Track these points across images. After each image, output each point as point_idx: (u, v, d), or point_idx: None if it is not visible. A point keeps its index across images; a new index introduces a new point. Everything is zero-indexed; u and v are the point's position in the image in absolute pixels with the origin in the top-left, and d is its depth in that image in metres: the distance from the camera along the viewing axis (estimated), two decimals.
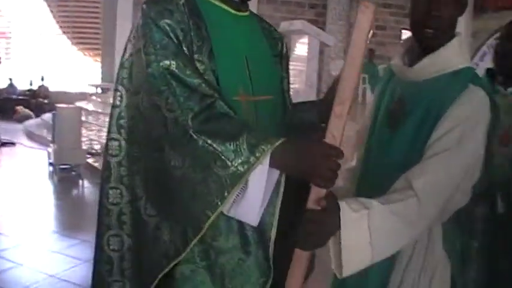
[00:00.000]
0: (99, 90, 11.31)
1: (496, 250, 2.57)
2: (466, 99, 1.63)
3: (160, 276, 1.47)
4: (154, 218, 1.49)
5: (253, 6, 1.70)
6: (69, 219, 5.89)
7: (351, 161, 1.98)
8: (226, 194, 1.35)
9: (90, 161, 8.25)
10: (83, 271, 4.30)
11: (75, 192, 7.19)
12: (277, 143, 1.35)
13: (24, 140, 10.94)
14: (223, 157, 1.34)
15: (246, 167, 1.33)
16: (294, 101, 1.88)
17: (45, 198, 6.68)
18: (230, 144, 1.34)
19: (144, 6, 1.52)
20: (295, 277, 1.46)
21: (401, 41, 1.96)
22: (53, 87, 13.66)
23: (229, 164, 1.34)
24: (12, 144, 10.22)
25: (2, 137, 10.08)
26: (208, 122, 1.39)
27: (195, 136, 1.36)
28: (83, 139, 8.39)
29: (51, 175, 7.59)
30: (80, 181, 7.35)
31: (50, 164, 7.70)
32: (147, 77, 1.45)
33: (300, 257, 1.45)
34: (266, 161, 1.35)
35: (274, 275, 1.49)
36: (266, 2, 8.96)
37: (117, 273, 1.62)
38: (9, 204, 6.20)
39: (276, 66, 1.80)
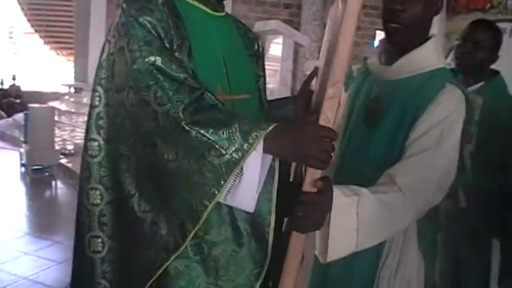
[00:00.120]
0: (72, 90, 11.21)
1: (458, 242, 2.68)
2: (444, 98, 1.68)
3: (160, 271, 1.46)
4: (150, 213, 1.48)
5: (227, 6, 1.71)
6: (42, 221, 5.83)
7: None
8: (222, 182, 1.36)
9: (63, 161, 8.17)
10: (57, 273, 4.26)
11: (48, 193, 7.12)
12: (269, 128, 1.36)
13: None
14: (217, 146, 1.35)
15: (240, 154, 1.34)
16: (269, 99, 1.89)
17: (17, 199, 6.61)
18: (223, 133, 1.35)
19: (124, 5, 1.52)
20: (293, 261, 1.47)
21: (379, 41, 2.00)
22: (25, 86, 13.52)
23: (224, 152, 1.34)
24: None
25: None
26: (200, 112, 1.39)
27: (187, 128, 1.37)
28: (56, 139, 8.30)
29: (23, 176, 7.51)
30: (53, 182, 7.27)
31: (22, 164, 7.62)
32: (132, 74, 1.45)
33: (297, 240, 1.46)
34: (260, 146, 1.36)
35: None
36: (241, 2, 8.95)
37: (99, 276, 1.61)
38: None
39: (252, 65, 1.82)
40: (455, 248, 2.71)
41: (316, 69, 1.83)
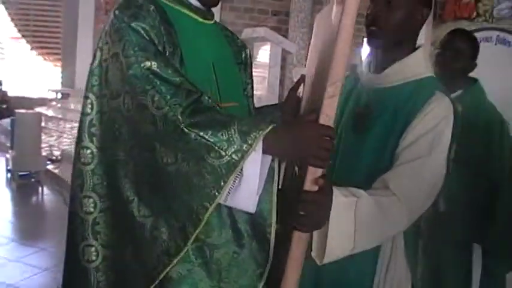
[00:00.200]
0: (59, 96, 11.16)
1: (439, 246, 2.69)
2: (434, 105, 1.71)
3: (161, 276, 1.46)
4: (150, 218, 1.48)
5: (216, 13, 1.72)
6: (28, 227, 5.79)
7: None
8: (222, 183, 1.36)
9: (50, 167, 8.13)
10: (43, 280, 4.24)
11: (34, 199, 7.08)
12: (268, 129, 1.38)
13: None
14: (216, 148, 1.35)
15: (240, 155, 1.35)
16: (257, 106, 1.91)
17: (3, 205, 6.56)
18: (222, 135, 1.36)
19: (117, 11, 1.53)
20: (296, 260, 1.48)
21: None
22: (11, 92, 13.43)
23: (223, 153, 1.35)
24: None
25: None
26: (198, 115, 1.40)
27: (186, 130, 1.37)
28: (43, 145, 8.27)
29: (10, 182, 7.46)
30: (40, 188, 7.23)
31: (8, 170, 7.58)
32: (128, 79, 1.45)
33: (299, 240, 1.47)
34: (259, 147, 1.37)
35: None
36: (229, 9, 8.95)
37: (93, 285, 1.60)
38: None
39: (240, 73, 1.84)
40: (435, 252, 2.70)
41: (303, 76, 1.84)
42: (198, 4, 1.70)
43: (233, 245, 1.51)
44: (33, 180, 7.37)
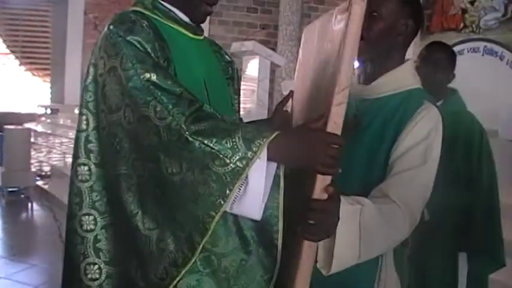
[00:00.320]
0: (49, 111, 11.12)
1: (424, 255, 2.77)
2: (424, 114, 1.74)
3: None
4: (156, 230, 1.46)
5: (204, 27, 1.73)
6: (17, 244, 5.76)
7: None
8: (228, 192, 1.35)
9: (39, 183, 8.10)
10: None
11: (24, 215, 7.04)
12: (272, 136, 1.37)
13: None
14: (221, 155, 1.35)
15: (244, 162, 1.35)
16: (246, 120, 1.92)
17: None
18: (226, 142, 1.35)
19: (111, 26, 1.53)
20: (306, 270, 1.46)
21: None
22: (0, 107, 13.39)
23: (228, 161, 1.35)
24: None
25: None
26: (201, 122, 1.39)
27: (190, 139, 1.37)
28: (32, 161, 8.24)
29: None
30: (29, 204, 7.21)
31: None
32: (128, 92, 1.45)
33: (309, 249, 1.45)
34: (264, 154, 1.37)
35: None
36: (218, 23, 8.99)
37: None
38: None
39: (228, 88, 1.86)
40: (421, 261, 2.78)
41: (291, 92, 1.87)
42: (187, 19, 1.72)
43: (240, 252, 1.50)
44: (22, 196, 7.35)
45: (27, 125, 9.86)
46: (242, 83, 6.69)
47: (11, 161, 7.25)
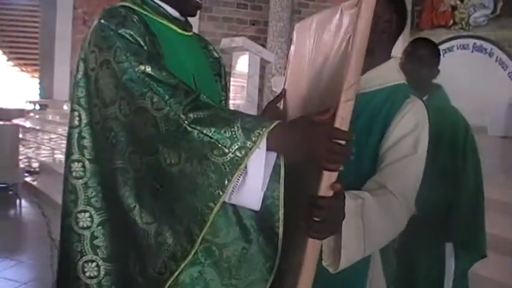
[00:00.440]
0: (37, 107, 11.08)
1: (412, 248, 2.81)
2: (410, 106, 1.78)
3: (169, 282, 1.43)
4: (153, 224, 1.44)
5: (194, 23, 1.73)
6: (5, 240, 5.73)
7: None
8: (226, 182, 1.34)
9: (28, 179, 8.06)
10: None
11: (12, 212, 7.01)
12: (272, 126, 1.36)
13: None
14: (219, 145, 1.33)
15: (243, 152, 1.33)
16: None
17: None
18: (225, 132, 1.34)
19: (102, 20, 1.52)
20: (310, 268, 1.44)
21: None
22: None
23: (227, 150, 1.33)
24: None
25: None
26: (200, 111, 1.38)
27: (189, 128, 1.36)
28: (21, 157, 8.20)
29: None
30: (17, 200, 7.17)
31: None
32: (124, 84, 1.44)
33: (314, 246, 1.43)
34: (263, 144, 1.35)
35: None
36: (207, 19, 8.97)
37: None
38: None
39: (216, 84, 1.85)
40: (408, 255, 2.81)
41: (284, 91, 1.87)
42: (176, 14, 1.71)
43: (241, 241, 1.49)
44: (10, 192, 7.31)
45: (15, 121, 9.83)
46: (232, 79, 6.71)
47: None
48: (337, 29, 1.59)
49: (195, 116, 1.37)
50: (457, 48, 7.27)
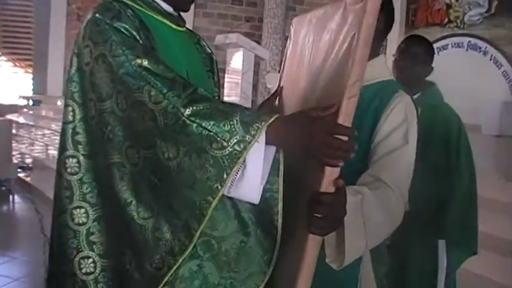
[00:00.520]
0: (31, 103, 11.04)
1: (405, 244, 2.85)
2: (399, 99, 1.82)
3: (167, 278, 1.42)
4: (151, 219, 1.44)
5: (189, 19, 1.72)
6: None
7: None
8: (225, 176, 1.34)
9: (21, 175, 8.04)
10: None
11: (4, 208, 6.99)
12: (271, 120, 1.35)
13: None
14: (218, 138, 1.33)
15: (242, 145, 1.33)
16: None
17: None
18: (224, 125, 1.34)
19: (97, 14, 1.51)
20: (310, 264, 1.43)
21: None
22: None
23: (226, 144, 1.33)
24: None
25: None
26: (199, 104, 1.37)
27: (188, 121, 1.35)
28: (14, 153, 8.18)
29: None
30: (10, 196, 7.15)
31: None
32: (120, 78, 1.43)
33: (315, 242, 1.42)
34: (262, 138, 1.35)
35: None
36: (202, 15, 8.94)
37: None
38: None
39: (209, 80, 1.85)
40: (401, 251, 2.88)
41: (280, 88, 1.87)
42: (170, 9, 1.70)
43: (240, 234, 1.48)
44: (3, 188, 7.28)
45: (9, 117, 9.79)
46: (226, 75, 6.70)
47: None
48: (340, 25, 1.58)
49: (194, 108, 1.36)
50: (452, 47, 7.28)
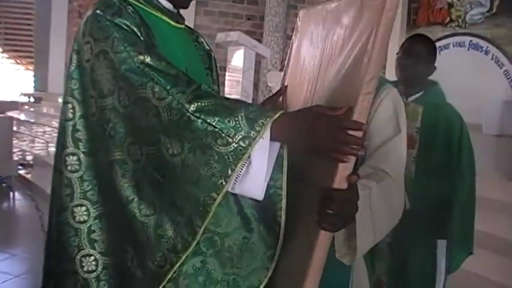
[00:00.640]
0: (32, 100, 11.03)
1: (405, 243, 2.86)
2: (387, 91, 1.87)
3: (170, 275, 1.42)
4: (153, 216, 1.43)
5: (190, 17, 1.72)
6: None
7: None
8: (230, 172, 1.34)
9: (21, 172, 8.03)
10: (13, 286, 4.18)
11: (5, 205, 6.99)
12: (276, 116, 1.35)
13: None
14: (223, 134, 1.33)
15: (247, 142, 1.33)
16: None
17: None
18: (229, 121, 1.34)
19: (97, 10, 1.51)
20: (320, 261, 1.43)
21: None
22: None
23: (231, 140, 1.33)
24: None
25: None
26: (203, 99, 1.37)
27: (192, 117, 1.35)
28: (15, 150, 8.18)
29: None
30: (11, 193, 7.15)
31: None
32: (123, 75, 1.43)
33: (326, 238, 1.42)
34: (267, 134, 1.35)
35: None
36: (203, 13, 8.94)
37: None
38: None
39: (208, 77, 1.86)
40: (401, 248, 2.88)
41: (284, 87, 1.87)
42: (170, 6, 1.70)
43: (242, 230, 1.48)
44: (4, 185, 7.29)
45: (9, 114, 9.78)
46: (227, 73, 6.69)
47: None
48: (355, 21, 1.56)
49: (199, 104, 1.36)
50: (453, 46, 7.27)
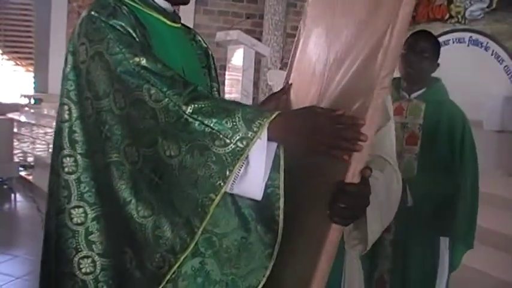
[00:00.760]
0: (32, 101, 11.03)
1: (408, 240, 2.88)
2: None
3: (168, 276, 1.42)
4: (151, 217, 1.43)
5: (189, 16, 1.72)
6: (0, 235, 5.71)
7: None
8: (228, 173, 1.34)
9: (22, 174, 8.04)
10: None
11: (6, 206, 6.99)
12: (273, 116, 1.35)
13: None
14: (221, 136, 1.33)
15: (245, 142, 1.33)
16: None
17: None
18: (227, 122, 1.34)
19: (92, 12, 1.50)
20: (331, 254, 1.43)
21: None
22: None
23: (228, 141, 1.33)
24: None
25: None
26: (200, 101, 1.37)
27: (190, 119, 1.35)
28: (16, 151, 8.18)
29: None
30: (12, 195, 7.15)
31: None
32: (118, 77, 1.42)
33: (337, 232, 1.42)
34: (264, 134, 1.35)
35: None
36: (203, 12, 8.93)
37: None
38: None
39: (205, 76, 1.85)
40: (404, 246, 2.89)
41: (289, 85, 1.87)
42: (166, 5, 1.70)
43: (240, 230, 1.48)
44: (5, 186, 7.29)
45: (10, 115, 9.78)
46: (227, 72, 6.69)
47: None
48: (370, 14, 1.54)
49: (196, 106, 1.36)
50: (453, 42, 7.26)
